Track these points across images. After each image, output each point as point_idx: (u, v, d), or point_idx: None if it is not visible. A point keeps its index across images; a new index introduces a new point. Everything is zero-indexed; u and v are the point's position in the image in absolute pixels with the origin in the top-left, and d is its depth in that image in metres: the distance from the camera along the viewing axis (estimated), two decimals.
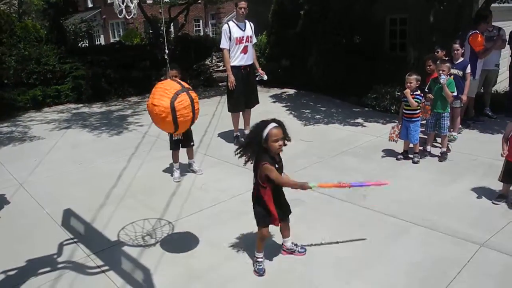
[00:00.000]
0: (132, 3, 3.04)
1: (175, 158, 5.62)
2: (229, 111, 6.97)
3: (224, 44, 6.59)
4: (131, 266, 3.67)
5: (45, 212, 4.77)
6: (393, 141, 5.91)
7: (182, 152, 5.69)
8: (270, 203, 3.36)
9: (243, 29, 6.61)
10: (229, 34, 6.54)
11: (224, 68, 7.14)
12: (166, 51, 3.57)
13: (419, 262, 3.54)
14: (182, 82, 3.52)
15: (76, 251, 3.92)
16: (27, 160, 6.56)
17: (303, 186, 3.29)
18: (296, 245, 3.76)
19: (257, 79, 6.96)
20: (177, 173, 5.60)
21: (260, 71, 6.91)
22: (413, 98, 5.60)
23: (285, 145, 3.33)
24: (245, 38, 6.60)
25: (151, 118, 3.45)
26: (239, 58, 6.62)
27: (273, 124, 3.26)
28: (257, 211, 3.45)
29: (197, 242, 4.00)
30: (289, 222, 3.69)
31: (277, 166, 3.33)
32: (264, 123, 3.29)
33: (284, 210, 3.56)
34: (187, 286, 3.41)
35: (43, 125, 8.97)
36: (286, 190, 3.55)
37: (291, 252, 3.75)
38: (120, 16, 3.07)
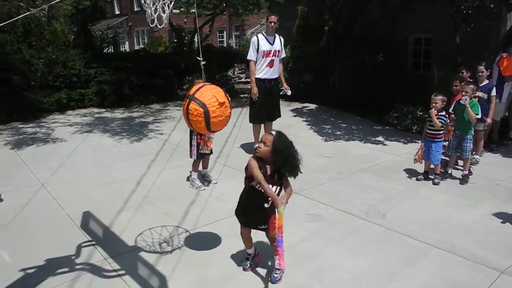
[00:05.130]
0: (164, 13, 3.12)
1: (197, 167, 5.65)
2: (250, 122, 7.01)
3: (251, 55, 6.65)
4: (147, 271, 3.69)
5: (65, 213, 4.84)
6: (419, 162, 5.88)
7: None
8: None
9: (272, 43, 6.66)
10: (257, 47, 6.60)
11: (247, 79, 7.20)
12: (202, 60, 3.82)
13: (436, 285, 3.48)
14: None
15: (93, 254, 3.96)
16: (49, 161, 6.67)
17: (276, 201, 3.29)
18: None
19: (281, 93, 7.00)
20: (199, 182, 5.63)
21: (285, 85, 6.95)
22: (437, 118, 5.56)
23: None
24: (272, 52, 6.64)
25: (212, 119, 3.47)
26: (264, 71, 6.67)
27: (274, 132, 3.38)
28: None
29: (213, 251, 4.01)
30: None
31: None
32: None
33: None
34: None
35: (66, 127, 9.13)
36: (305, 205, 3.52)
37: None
38: (152, 25, 3.14)
